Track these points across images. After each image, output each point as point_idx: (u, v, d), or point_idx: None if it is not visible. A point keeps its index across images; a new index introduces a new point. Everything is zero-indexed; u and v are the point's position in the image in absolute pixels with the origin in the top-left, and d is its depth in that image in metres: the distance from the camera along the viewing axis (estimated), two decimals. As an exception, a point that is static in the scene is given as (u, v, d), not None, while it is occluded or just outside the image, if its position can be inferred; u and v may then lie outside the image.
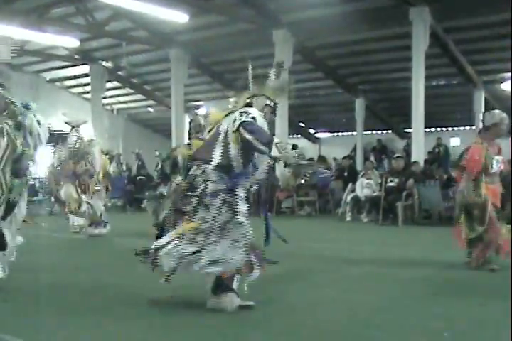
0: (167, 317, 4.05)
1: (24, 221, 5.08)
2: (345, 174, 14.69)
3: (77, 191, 8.68)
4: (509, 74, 15.65)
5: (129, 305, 4.40)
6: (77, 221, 8.79)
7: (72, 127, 8.60)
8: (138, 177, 16.73)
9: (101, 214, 9.02)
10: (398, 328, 3.78)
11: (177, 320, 3.99)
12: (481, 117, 7.53)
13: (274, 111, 4.62)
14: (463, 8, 13.09)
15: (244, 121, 4.09)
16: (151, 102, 22.97)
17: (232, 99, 4.70)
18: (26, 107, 4.92)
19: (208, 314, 4.07)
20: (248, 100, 4.46)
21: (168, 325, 3.89)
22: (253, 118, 4.15)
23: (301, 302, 4.51)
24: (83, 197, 8.73)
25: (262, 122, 4.24)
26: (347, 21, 13.62)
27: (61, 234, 9.16)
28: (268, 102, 4.50)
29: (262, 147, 4.03)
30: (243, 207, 4.16)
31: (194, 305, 4.35)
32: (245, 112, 4.21)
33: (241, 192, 4.19)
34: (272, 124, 4.71)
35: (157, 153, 17.85)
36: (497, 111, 6.39)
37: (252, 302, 4.20)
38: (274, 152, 4.27)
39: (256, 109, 4.34)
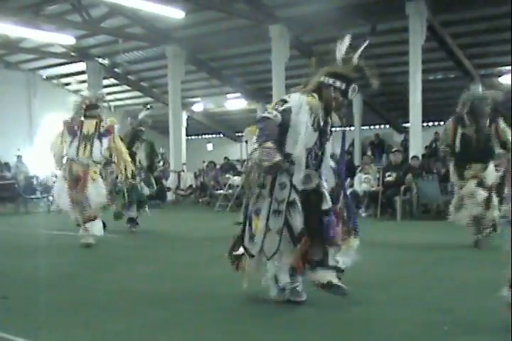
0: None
1: None
2: (344, 169, 14.66)
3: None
4: (507, 67, 15.63)
5: (129, 303, 4.40)
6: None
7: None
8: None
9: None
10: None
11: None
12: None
13: (344, 94, 4.13)
14: (460, 1, 13.08)
15: (261, 117, 3.98)
16: (148, 99, 22.93)
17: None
18: None
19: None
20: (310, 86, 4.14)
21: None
22: (284, 110, 3.95)
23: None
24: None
25: (302, 111, 3.97)
26: (343, 16, 13.59)
27: (60, 232, 9.14)
28: (331, 82, 4.11)
29: (255, 146, 3.93)
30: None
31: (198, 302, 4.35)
32: (282, 100, 4.05)
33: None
34: (348, 111, 4.31)
35: (161, 150, 18.01)
36: None
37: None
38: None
39: (312, 94, 4.08)
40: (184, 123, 21.16)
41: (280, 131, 3.97)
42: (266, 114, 3.96)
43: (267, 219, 4.01)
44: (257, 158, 3.86)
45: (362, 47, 4.20)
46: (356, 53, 4.18)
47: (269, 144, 3.83)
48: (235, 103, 21.58)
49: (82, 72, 20.07)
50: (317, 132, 4.10)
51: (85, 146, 7.47)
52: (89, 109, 7.71)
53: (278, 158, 3.83)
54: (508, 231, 5.72)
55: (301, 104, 3.99)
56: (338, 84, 4.10)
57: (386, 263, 6.23)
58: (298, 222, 4.02)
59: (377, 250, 7.17)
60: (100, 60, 19.46)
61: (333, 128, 4.32)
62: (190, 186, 17.72)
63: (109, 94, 21.97)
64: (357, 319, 3.87)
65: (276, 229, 4.00)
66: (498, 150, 6.87)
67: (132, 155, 8.63)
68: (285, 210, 4.00)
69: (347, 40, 4.21)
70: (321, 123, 4.12)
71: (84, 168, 7.43)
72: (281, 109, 3.96)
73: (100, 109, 7.90)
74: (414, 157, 12.56)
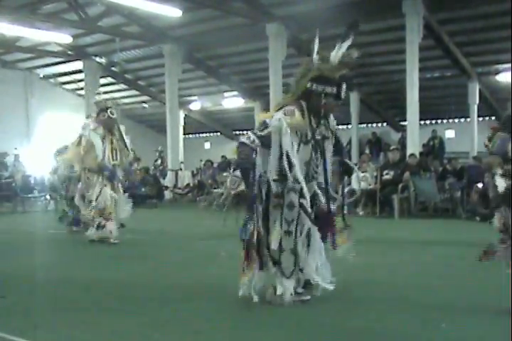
0: (169, 313, 4.05)
1: None
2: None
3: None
4: (504, 65, 15.65)
5: (128, 302, 4.39)
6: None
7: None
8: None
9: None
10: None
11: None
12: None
13: (337, 97, 4.02)
14: (456, 0, 13.09)
15: (239, 142, 3.93)
16: (145, 98, 22.93)
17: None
18: None
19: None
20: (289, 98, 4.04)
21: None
22: (264, 136, 3.86)
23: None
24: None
25: (284, 135, 3.86)
26: (340, 14, 13.56)
27: (57, 230, 9.13)
28: (321, 89, 3.96)
29: (236, 172, 3.95)
30: None
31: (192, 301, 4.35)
32: (263, 124, 3.93)
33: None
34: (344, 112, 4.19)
35: (159, 148, 18.02)
36: None
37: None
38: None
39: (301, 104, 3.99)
40: (181, 122, 21.16)
41: (273, 156, 3.92)
42: (244, 140, 3.91)
43: (280, 240, 4.00)
44: (227, 184, 3.92)
45: (345, 45, 4.19)
46: (340, 50, 4.14)
47: (237, 173, 3.86)
48: (232, 101, 21.57)
49: (79, 71, 20.05)
50: (309, 144, 4.03)
51: None
52: (98, 114, 8.05)
53: (241, 188, 3.90)
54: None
55: (281, 128, 3.87)
56: (328, 90, 3.98)
57: (384, 261, 6.24)
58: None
59: (374, 248, 7.19)
60: (97, 59, 19.42)
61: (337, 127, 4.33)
62: (188, 185, 17.73)
63: (106, 92, 21.99)
64: (353, 318, 3.87)
65: (289, 249, 4.02)
66: None
67: None
68: (295, 230, 3.99)
69: (316, 43, 4.22)
70: (310, 135, 4.04)
71: None
72: (260, 134, 3.89)
73: (105, 112, 8.01)
74: (411, 155, 12.57)
